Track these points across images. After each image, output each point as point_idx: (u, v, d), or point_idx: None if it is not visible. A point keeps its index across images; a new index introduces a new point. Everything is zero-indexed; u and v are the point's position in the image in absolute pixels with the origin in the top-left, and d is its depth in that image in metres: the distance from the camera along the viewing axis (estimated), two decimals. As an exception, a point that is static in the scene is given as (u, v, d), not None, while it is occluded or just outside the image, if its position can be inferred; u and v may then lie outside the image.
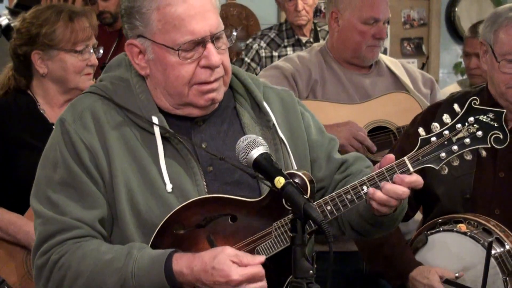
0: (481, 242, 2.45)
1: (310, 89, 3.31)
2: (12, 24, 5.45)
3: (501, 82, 2.55)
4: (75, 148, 1.92)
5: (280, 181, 1.81)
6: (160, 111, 1.97)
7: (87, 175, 1.91)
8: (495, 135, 1.85)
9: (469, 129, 1.86)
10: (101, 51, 3.05)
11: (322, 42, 3.64)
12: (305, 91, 3.30)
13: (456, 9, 6.52)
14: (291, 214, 1.79)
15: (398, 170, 1.88)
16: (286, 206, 1.83)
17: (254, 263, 1.82)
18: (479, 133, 1.85)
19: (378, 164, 1.95)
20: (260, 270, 1.82)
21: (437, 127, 1.86)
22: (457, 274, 2.51)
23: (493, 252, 2.43)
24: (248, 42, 5.43)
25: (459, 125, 1.85)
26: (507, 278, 2.42)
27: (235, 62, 5.34)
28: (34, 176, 2.71)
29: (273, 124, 2.04)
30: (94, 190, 1.91)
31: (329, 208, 1.90)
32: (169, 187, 1.92)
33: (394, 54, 6.12)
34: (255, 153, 1.85)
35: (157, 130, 1.93)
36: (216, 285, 1.80)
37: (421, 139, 1.88)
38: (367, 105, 3.30)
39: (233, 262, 1.79)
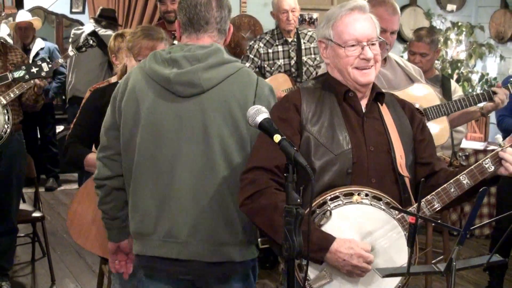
0: (381, 207, 2.43)
1: None
2: (96, 29, 6.47)
3: (347, 64, 2.55)
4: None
5: (277, 137, 2.06)
6: None
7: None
8: None
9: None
10: None
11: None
12: None
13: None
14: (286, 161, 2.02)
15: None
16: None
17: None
18: None
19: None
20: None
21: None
22: (369, 245, 2.41)
23: (393, 212, 2.42)
24: (250, 43, 6.06)
25: None
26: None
27: (243, 57, 5.96)
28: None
29: None
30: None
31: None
32: None
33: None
34: (260, 118, 2.13)
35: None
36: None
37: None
38: (403, 92, 3.45)
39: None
